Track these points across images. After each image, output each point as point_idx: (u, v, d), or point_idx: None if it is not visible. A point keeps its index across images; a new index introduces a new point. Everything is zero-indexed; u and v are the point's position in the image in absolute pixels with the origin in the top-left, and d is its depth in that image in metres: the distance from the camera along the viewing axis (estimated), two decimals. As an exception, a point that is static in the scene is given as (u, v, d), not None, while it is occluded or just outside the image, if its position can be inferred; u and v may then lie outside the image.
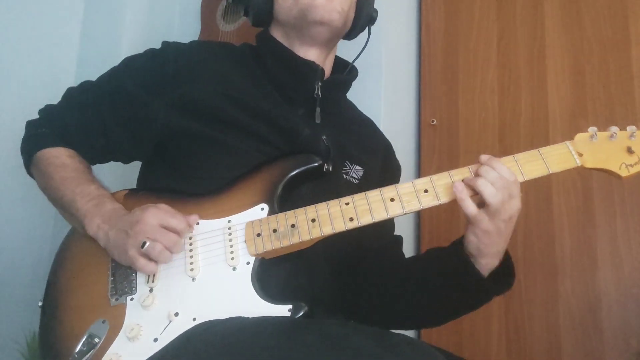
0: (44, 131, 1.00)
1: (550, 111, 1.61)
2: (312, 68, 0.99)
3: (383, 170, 1.08)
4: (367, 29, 1.10)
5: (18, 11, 1.72)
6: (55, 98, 1.06)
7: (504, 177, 0.79)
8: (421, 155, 1.79)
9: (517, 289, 1.55)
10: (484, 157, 0.82)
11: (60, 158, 0.96)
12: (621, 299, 1.42)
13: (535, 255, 1.55)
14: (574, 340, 1.45)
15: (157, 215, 0.82)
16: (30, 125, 1.04)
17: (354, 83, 1.12)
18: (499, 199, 0.77)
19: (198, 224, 0.87)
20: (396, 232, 1.10)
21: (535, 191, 1.58)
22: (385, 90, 1.58)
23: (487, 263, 0.82)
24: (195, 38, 1.83)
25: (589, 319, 1.44)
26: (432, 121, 1.79)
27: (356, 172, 1.01)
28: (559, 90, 1.62)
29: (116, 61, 1.04)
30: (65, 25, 1.83)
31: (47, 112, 1.04)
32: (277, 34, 1.03)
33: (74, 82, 1.78)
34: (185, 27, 1.98)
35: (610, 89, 1.54)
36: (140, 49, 1.04)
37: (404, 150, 1.76)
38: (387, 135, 1.19)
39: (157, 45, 1.03)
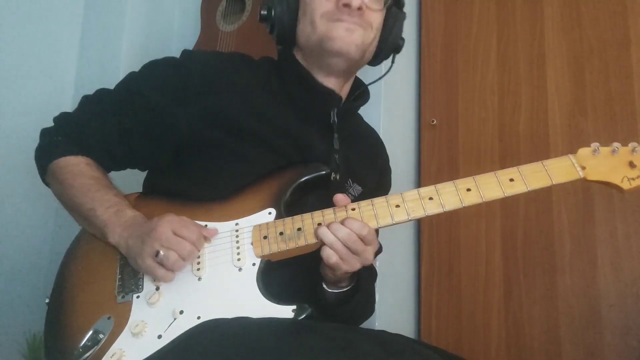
0: (60, 139, 0.99)
1: (549, 110, 1.61)
2: (331, 96, 1.00)
3: (377, 187, 1.10)
4: (391, 56, 1.09)
5: (18, 12, 1.72)
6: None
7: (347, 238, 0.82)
8: (421, 155, 1.79)
9: (517, 288, 1.55)
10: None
11: (78, 166, 0.95)
12: (621, 299, 1.42)
13: (535, 255, 1.55)
14: (573, 339, 1.45)
15: (172, 224, 0.82)
16: (45, 133, 1.02)
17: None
18: (334, 260, 0.82)
19: (206, 225, 0.88)
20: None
21: (535, 191, 1.58)
22: (385, 91, 1.58)
23: (343, 284, 0.91)
24: (195, 38, 1.83)
25: (588, 318, 1.44)
26: (432, 121, 1.80)
27: (356, 190, 1.04)
28: (558, 89, 1.62)
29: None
30: (65, 26, 1.82)
31: (63, 120, 1.02)
32: (298, 55, 1.03)
33: (73, 82, 1.80)
34: (185, 28, 1.98)
35: (610, 89, 1.54)
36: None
37: (404, 150, 1.76)
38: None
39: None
